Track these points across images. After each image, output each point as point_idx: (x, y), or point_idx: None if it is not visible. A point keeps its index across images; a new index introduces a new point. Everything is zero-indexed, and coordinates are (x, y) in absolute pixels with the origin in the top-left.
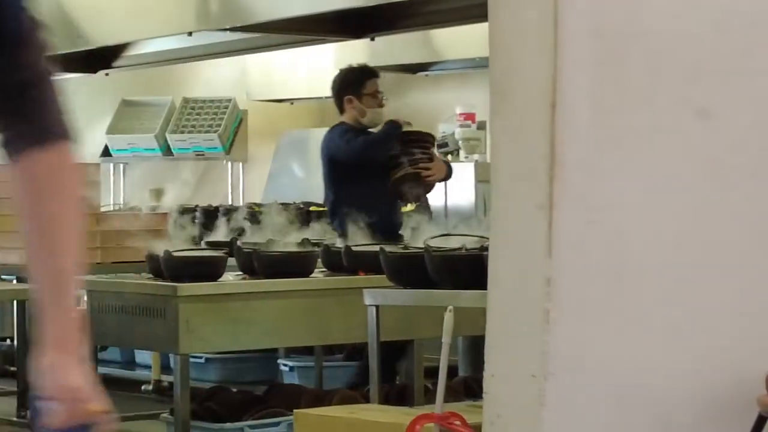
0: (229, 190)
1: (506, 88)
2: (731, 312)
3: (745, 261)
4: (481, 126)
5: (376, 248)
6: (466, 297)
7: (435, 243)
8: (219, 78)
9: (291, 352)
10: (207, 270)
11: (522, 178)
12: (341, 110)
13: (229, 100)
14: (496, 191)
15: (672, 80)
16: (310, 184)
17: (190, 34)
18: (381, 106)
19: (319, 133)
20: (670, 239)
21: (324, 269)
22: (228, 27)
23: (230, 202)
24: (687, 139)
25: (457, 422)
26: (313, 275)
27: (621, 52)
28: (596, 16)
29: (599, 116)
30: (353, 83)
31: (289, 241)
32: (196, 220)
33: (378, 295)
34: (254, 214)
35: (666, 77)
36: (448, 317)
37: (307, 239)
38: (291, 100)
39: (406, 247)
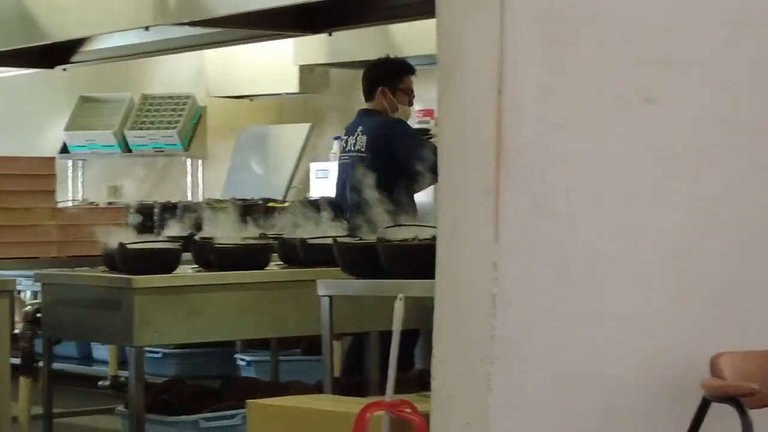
0: (188, 187)
1: (453, 74)
2: (678, 298)
3: (691, 247)
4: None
5: (331, 241)
6: (419, 286)
7: (388, 234)
8: (178, 74)
9: (248, 346)
10: (162, 262)
11: (468, 163)
12: (370, 97)
13: (188, 97)
14: (443, 177)
15: (619, 67)
16: (269, 180)
17: (147, 28)
18: (411, 104)
19: (278, 130)
20: (616, 225)
21: (280, 262)
22: (185, 21)
23: (189, 199)
24: (633, 125)
25: (407, 410)
26: (269, 268)
27: (568, 38)
28: (543, 1)
29: (546, 102)
30: (391, 75)
31: (247, 235)
32: (155, 216)
33: (331, 285)
34: (213, 209)
35: (613, 64)
36: (398, 305)
37: (265, 234)
38: (250, 97)
39: (359, 239)
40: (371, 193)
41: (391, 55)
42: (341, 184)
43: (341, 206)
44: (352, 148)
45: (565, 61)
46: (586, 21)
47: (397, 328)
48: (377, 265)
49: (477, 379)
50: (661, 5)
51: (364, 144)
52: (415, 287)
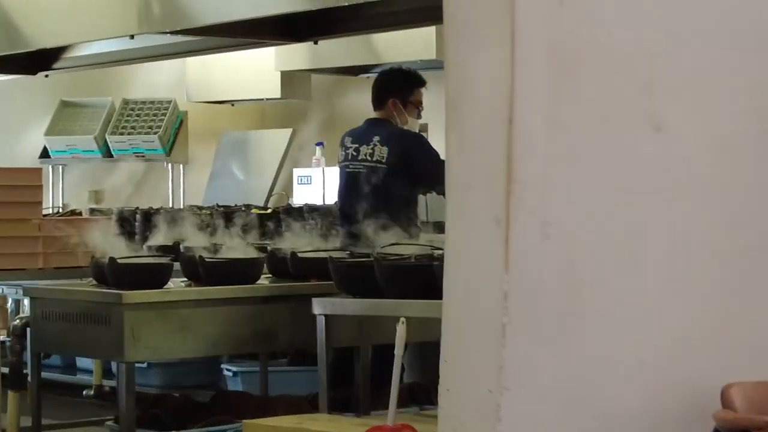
0: (170, 192)
1: (462, 104)
2: (687, 326)
3: (701, 275)
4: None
5: (322, 254)
6: (416, 306)
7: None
8: (159, 79)
9: (234, 356)
10: (152, 277)
11: (479, 192)
12: (379, 107)
13: (170, 102)
14: (452, 206)
15: (626, 95)
16: (251, 185)
17: (132, 37)
18: (419, 117)
19: (260, 135)
20: (625, 253)
21: (269, 275)
22: (170, 30)
23: (171, 204)
24: (641, 153)
25: None
26: (259, 282)
27: (576, 68)
28: (552, 32)
29: (555, 131)
30: (403, 86)
31: (233, 245)
32: (137, 223)
33: (327, 304)
34: (196, 216)
35: (621, 92)
36: (401, 329)
37: (251, 243)
38: (231, 102)
39: (352, 255)
40: (391, 206)
41: (375, 62)
42: (350, 193)
43: (350, 215)
44: (368, 158)
45: (574, 91)
46: (594, 50)
47: (399, 352)
48: (372, 283)
49: (486, 410)
50: (666, 33)
51: (384, 155)
52: (413, 307)
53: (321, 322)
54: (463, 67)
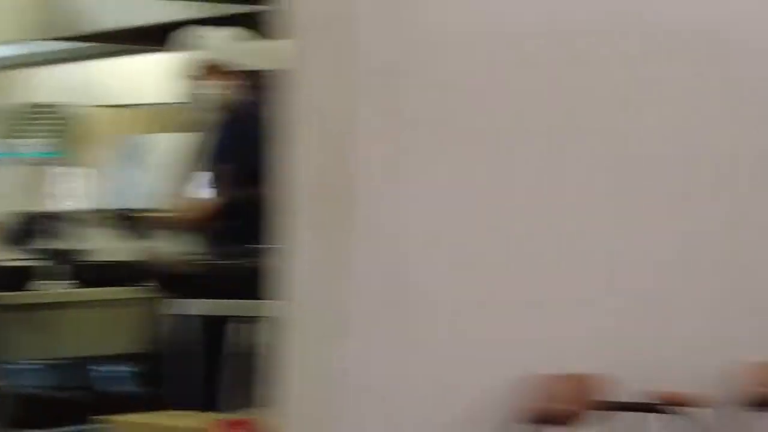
0: (65, 196)
1: (304, 117)
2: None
3: (503, 281)
4: None
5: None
6: (251, 306)
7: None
8: (58, 83)
9: (110, 357)
10: (22, 279)
11: (315, 202)
12: None
13: (68, 106)
14: (288, 214)
15: (454, 109)
16: (149, 189)
17: (19, 42)
18: None
19: (158, 139)
20: (454, 265)
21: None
22: (60, 37)
23: (69, 208)
24: (471, 167)
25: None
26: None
27: (410, 87)
28: (384, 50)
29: (390, 147)
30: None
31: (115, 248)
32: (25, 227)
33: (178, 305)
34: (83, 220)
35: (456, 110)
36: (232, 329)
37: (137, 246)
38: (130, 106)
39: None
40: None
41: None
42: None
43: None
44: None
45: (408, 110)
46: (428, 70)
47: (230, 351)
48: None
49: (320, 416)
50: (509, 50)
51: None
52: (251, 308)
53: (164, 323)
54: (303, 84)
